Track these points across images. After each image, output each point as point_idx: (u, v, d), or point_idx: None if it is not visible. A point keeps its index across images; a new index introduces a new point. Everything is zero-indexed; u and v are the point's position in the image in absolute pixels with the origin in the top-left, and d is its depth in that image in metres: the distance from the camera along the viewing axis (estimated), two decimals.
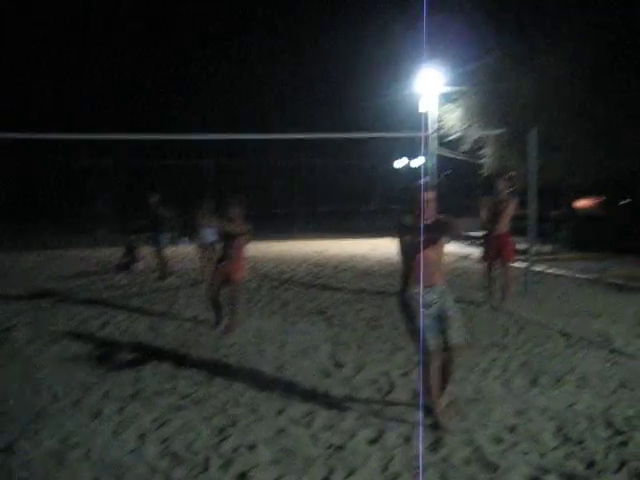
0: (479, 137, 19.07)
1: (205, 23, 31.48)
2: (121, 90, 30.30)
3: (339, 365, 6.24)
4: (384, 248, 18.25)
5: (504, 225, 8.91)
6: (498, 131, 17.63)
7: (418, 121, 22.02)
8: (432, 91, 20.99)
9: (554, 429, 4.54)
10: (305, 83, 31.05)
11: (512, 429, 4.54)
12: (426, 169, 24.22)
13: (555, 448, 4.23)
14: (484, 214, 9.04)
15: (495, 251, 8.96)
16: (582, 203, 23.43)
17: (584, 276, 11.94)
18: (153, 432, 4.53)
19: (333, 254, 16.68)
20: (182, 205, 13.17)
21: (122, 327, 7.99)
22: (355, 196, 30.10)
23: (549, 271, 12.24)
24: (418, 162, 28.91)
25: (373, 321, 8.26)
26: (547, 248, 16.28)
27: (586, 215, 22.61)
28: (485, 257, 9.24)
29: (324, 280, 11.97)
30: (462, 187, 28.30)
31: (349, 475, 3.86)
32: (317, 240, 21.77)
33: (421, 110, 21.55)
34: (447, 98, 20.34)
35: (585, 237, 17.36)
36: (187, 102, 30.40)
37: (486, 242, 9.21)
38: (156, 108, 29.26)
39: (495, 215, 8.89)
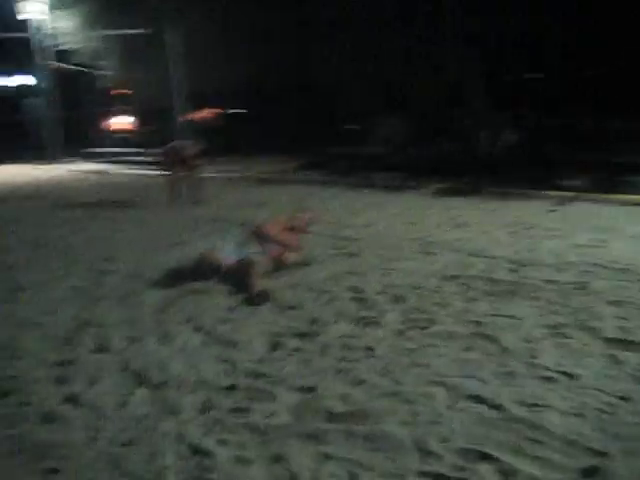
0: (101, 46, 17.98)
1: None
2: None
3: None
4: None
5: None
6: (121, 33, 16.73)
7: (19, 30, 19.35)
8: None
9: None
10: None
11: None
12: (38, 86, 21.35)
13: None
14: None
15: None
16: (202, 114, 23.74)
17: (233, 175, 12.52)
18: None
19: None
20: None
21: None
22: None
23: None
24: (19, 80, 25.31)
25: None
26: None
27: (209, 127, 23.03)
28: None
29: None
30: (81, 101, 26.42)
31: None
32: None
33: (21, 17, 18.99)
34: (61, 3, 18.56)
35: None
36: None
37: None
38: None
39: None
